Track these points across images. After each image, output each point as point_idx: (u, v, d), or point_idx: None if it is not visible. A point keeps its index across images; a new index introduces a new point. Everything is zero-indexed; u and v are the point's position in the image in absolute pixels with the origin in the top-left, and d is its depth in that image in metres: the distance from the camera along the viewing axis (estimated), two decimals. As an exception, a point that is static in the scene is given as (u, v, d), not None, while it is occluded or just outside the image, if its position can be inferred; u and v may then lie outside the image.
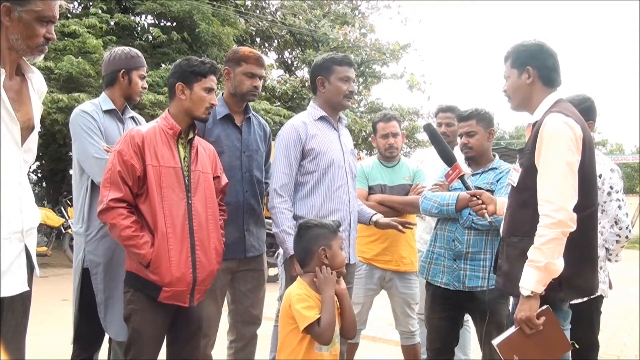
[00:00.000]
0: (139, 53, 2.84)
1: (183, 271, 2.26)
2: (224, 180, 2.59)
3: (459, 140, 2.99)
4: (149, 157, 2.28)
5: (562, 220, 1.97)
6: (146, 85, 2.85)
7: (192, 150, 2.43)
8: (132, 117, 2.88)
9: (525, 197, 2.15)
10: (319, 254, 2.26)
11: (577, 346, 2.32)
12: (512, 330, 2.11)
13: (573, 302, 2.65)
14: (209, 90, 2.43)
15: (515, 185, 2.23)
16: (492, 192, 2.83)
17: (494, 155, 3.01)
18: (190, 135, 2.45)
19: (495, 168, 2.94)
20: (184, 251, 2.28)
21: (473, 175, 2.96)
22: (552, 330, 2.07)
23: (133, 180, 2.26)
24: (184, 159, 2.40)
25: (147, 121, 2.88)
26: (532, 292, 2.01)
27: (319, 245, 2.27)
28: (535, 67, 2.21)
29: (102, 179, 2.30)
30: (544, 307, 2.05)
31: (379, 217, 2.99)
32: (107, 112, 2.72)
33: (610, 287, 3.10)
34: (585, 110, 2.85)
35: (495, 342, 2.12)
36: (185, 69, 2.42)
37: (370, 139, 17.92)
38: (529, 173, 2.13)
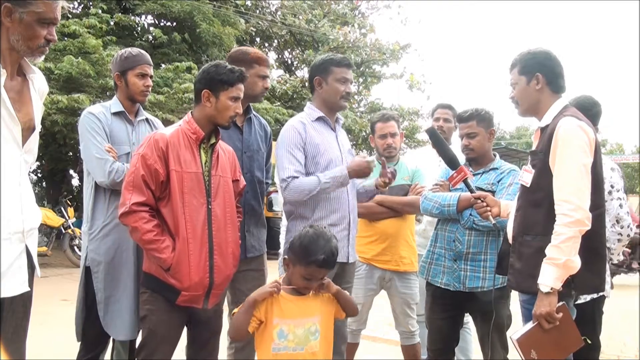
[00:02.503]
0: (136, 51, 2.81)
1: (201, 276, 2.28)
2: (243, 182, 2.60)
3: (458, 140, 2.99)
4: (172, 162, 2.28)
5: (579, 219, 2.06)
6: (150, 83, 2.81)
7: (214, 155, 2.42)
8: (147, 120, 2.89)
9: (538, 197, 2.23)
10: (284, 260, 2.24)
11: (589, 342, 2.37)
12: (530, 325, 2.17)
13: (576, 302, 2.66)
14: (236, 99, 2.39)
15: (528, 185, 2.29)
16: (493, 192, 2.83)
17: (495, 155, 3.01)
18: (213, 140, 2.44)
19: (496, 168, 2.94)
20: (203, 256, 2.29)
21: (474, 175, 2.95)
22: (566, 326, 2.16)
23: (156, 184, 2.26)
24: (205, 163, 2.39)
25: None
26: (551, 288, 2.09)
27: (288, 254, 2.23)
28: (544, 74, 2.30)
29: (125, 182, 2.31)
30: (560, 303, 2.13)
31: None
32: (116, 114, 2.74)
33: (612, 287, 3.10)
34: (595, 115, 2.89)
35: (515, 337, 2.18)
36: (214, 77, 2.37)
37: (369, 139, 17.96)
38: (543, 174, 2.21)
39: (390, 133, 3.44)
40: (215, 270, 2.32)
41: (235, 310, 2.18)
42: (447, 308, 2.90)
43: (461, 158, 2.96)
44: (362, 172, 2.69)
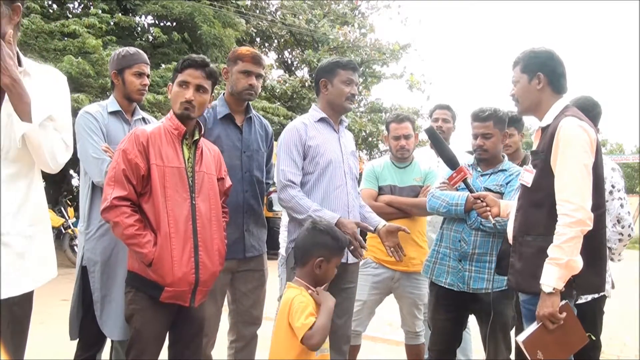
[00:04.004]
0: (134, 50, 2.80)
1: (185, 271, 2.25)
2: (228, 182, 2.58)
3: (457, 140, 2.98)
4: (153, 156, 2.27)
5: (581, 219, 2.06)
6: (147, 82, 2.81)
7: (197, 151, 2.41)
8: (143, 119, 2.88)
9: (539, 197, 2.23)
10: (314, 262, 2.21)
11: (593, 338, 2.36)
12: (534, 326, 2.17)
13: (577, 302, 2.66)
14: (182, 84, 2.37)
15: (529, 185, 2.28)
16: (501, 194, 2.80)
17: (503, 157, 2.99)
18: (196, 137, 2.43)
19: (505, 170, 2.91)
20: (187, 252, 2.27)
21: (482, 175, 2.93)
22: (571, 325, 2.16)
23: (137, 179, 2.25)
24: (188, 159, 2.38)
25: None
26: (553, 288, 2.09)
27: (320, 254, 2.21)
28: (545, 74, 2.30)
29: (107, 177, 2.30)
30: (563, 302, 2.12)
31: (382, 226, 2.84)
32: (113, 113, 2.74)
33: (613, 286, 3.09)
34: (596, 116, 2.88)
35: (520, 339, 2.17)
36: (175, 68, 2.43)
37: (370, 138, 17.81)
38: (544, 174, 2.21)
39: (404, 135, 3.40)
40: (200, 266, 2.29)
41: (307, 320, 2.08)
42: (450, 309, 2.89)
43: (460, 158, 2.96)
44: (350, 237, 2.58)
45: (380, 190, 3.41)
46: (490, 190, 2.80)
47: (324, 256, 2.20)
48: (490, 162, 2.94)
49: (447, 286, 2.86)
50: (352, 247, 2.61)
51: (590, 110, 2.77)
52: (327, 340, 2.25)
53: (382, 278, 3.35)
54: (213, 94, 2.51)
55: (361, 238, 2.66)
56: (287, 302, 2.17)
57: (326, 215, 2.58)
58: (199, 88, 2.36)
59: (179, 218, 2.27)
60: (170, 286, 2.24)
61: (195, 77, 2.36)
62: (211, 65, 2.42)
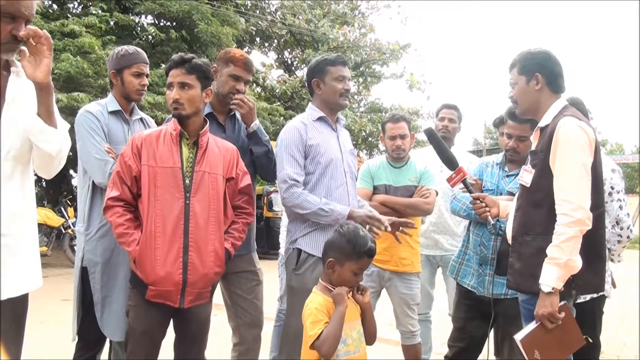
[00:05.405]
0: (133, 49, 2.78)
1: (169, 271, 2.25)
2: (245, 181, 2.56)
3: (459, 141, 2.97)
4: (145, 157, 2.32)
5: (580, 218, 2.06)
6: (145, 82, 2.79)
7: (199, 151, 2.41)
8: (142, 119, 2.88)
9: (538, 197, 2.23)
10: (326, 262, 2.20)
11: (590, 340, 2.36)
12: (532, 326, 2.17)
13: (576, 301, 2.65)
14: (169, 86, 2.41)
15: (528, 185, 2.28)
16: None
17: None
18: (196, 137, 2.41)
19: None
20: (174, 251, 2.26)
21: (508, 176, 2.92)
22: (568, 326, 2.16)
23: (131, 180, 2.32)
24: (187, 159, 2.38)
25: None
26: (552, 288, 2.08)
27: (332, 256, 2.19)
28: (543, 74, 2.30)
29: (109, 180, 2.38)
30: (562, 302, 2.12)
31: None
32: (113, 113, 2.73)
33: (614, 286, 3.09)
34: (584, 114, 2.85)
35: (518, 337, 2.17)
36: None
37: (370, 138, 17.78)
38: (543, 174, 2.21)
39: (400, 135, 3.39)
40: (189, 267, 2.28)
41: (312, 331, 2.06)
42: (470, 309, 2.91)
43: (461, 159, 2.95)
44: (364, 223, 2.61)
45: (375, 190, 3.41)
46: (512, 194, 2.77)
47: (335, 258, 2.18)
48: (519, 163, 2.89)
49: (470, 288, 2.87)
50: (368, 226, 2.59)
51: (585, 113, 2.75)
52: (361, 340, 2.22)
53: (373, 276, 3.37)
54: (211, 88, 2.49)
55: (378, 214, 2.65)
56: (305, 307, 2.18)
57: (336, 208, 2.58)
58: (182, 85, 2.37)
59: (168, 218, 2.27)
60: (153, 284, 2.26)
61: (176, 75, 2.39)
62: (195, 60, 2.41)
